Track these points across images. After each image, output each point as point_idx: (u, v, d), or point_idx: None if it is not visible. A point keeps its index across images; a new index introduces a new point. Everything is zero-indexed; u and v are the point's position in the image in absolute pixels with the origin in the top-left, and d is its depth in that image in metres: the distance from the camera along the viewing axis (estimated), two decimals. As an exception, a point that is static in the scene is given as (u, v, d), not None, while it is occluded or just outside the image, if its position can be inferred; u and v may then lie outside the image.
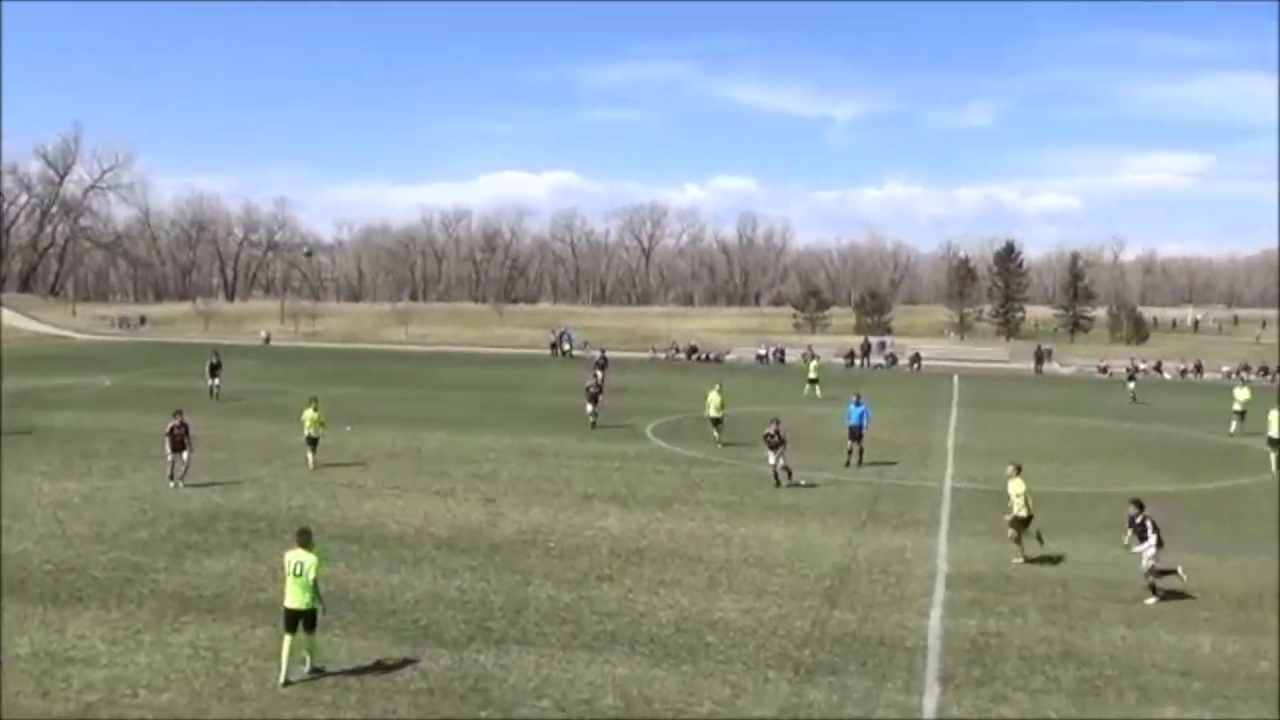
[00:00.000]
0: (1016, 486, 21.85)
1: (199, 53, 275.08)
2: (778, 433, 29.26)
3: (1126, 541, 20.13)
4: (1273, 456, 34.51)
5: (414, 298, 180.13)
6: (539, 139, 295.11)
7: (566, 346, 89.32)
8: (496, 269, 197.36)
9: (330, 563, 15.98)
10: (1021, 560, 21.57)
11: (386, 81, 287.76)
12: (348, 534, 22.81)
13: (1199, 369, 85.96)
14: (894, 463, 33.79)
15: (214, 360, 49.35)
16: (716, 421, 37.31)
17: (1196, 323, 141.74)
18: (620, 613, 17.87)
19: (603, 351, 66.99)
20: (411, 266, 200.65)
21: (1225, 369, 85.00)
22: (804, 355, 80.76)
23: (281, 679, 14.27)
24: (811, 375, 56.94)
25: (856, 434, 33.20)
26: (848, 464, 32.62)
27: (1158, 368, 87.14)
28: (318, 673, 14.60)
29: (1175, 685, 15.28)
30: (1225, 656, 16.54)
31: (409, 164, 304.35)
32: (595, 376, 46.21)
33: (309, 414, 30.88)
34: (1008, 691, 14.81)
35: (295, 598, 14.58)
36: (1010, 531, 21.94)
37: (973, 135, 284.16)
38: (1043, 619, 18.11)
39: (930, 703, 14.36)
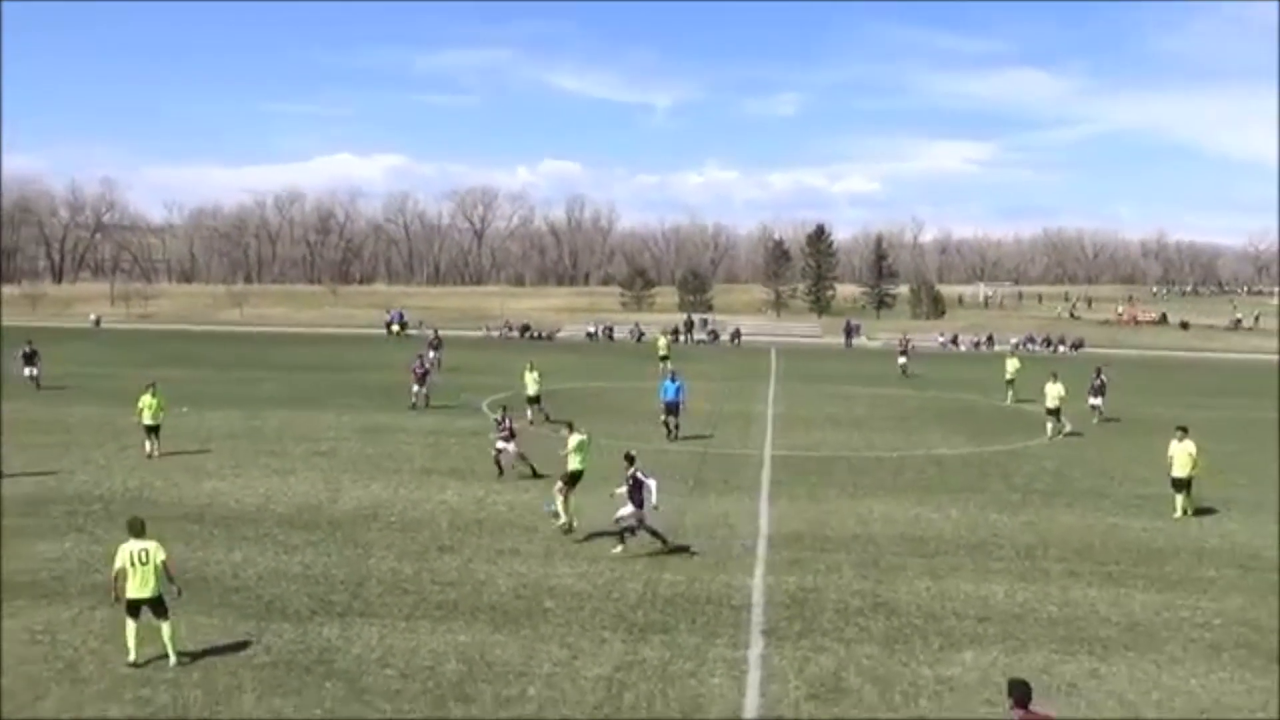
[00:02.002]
0: (572, 442, 21.77)
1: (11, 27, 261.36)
2: (508, 426, 27.07)
3: (614, 494, 20.10)
4: (1049, 425, 35.93)
5: (248, 280, 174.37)
6: (370, 121, 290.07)
7: (397, 328, 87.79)
8: (331, 250, 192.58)
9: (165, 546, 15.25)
10: (565, 525, 20.93)
11: (212, 64, 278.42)
12: (187, 514, 22.00)
13: (990, 341, 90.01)
14: (710, 435, 34.28)
15: (28, 349, 43.80)
16: (534, 400, 36.79)
17: (987, 299, 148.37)
18: (461, 582, 17.76)
19: (436, 331, 65.91)
20: (245, 248, 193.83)
21: (1013, 340, 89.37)
22: (632, 332, 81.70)
23: (132, 658, 13.64)
24: (662, 352, 55.87)
25: (673, 409, 33.15)
26: (669, 438, 32.65)
27: (954, 340, 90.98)
28: (185, 659, 13.91)
29: (973, 630, 16.04)
30: (1017, 602, 17.44)
31: (238, 146, 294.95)
32: (420, 357, 43.43)
33: (147, 399, 28.56)
34: (825, 642, 15.30)
35: (142, 587, 13.76)
36: (559, 485, 21.54)
37: (781, 123, 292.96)
38: (855, 574, 18.74)
39: (755, 655, 14.73)
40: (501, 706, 12.89)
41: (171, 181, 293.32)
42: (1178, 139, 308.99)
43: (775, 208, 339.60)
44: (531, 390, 36.83)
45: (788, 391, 48.94)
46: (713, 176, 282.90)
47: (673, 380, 33.91)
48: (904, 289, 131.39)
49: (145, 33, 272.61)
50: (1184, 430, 24.16)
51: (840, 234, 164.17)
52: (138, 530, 14.12)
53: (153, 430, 28.54)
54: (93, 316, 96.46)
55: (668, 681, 13.77)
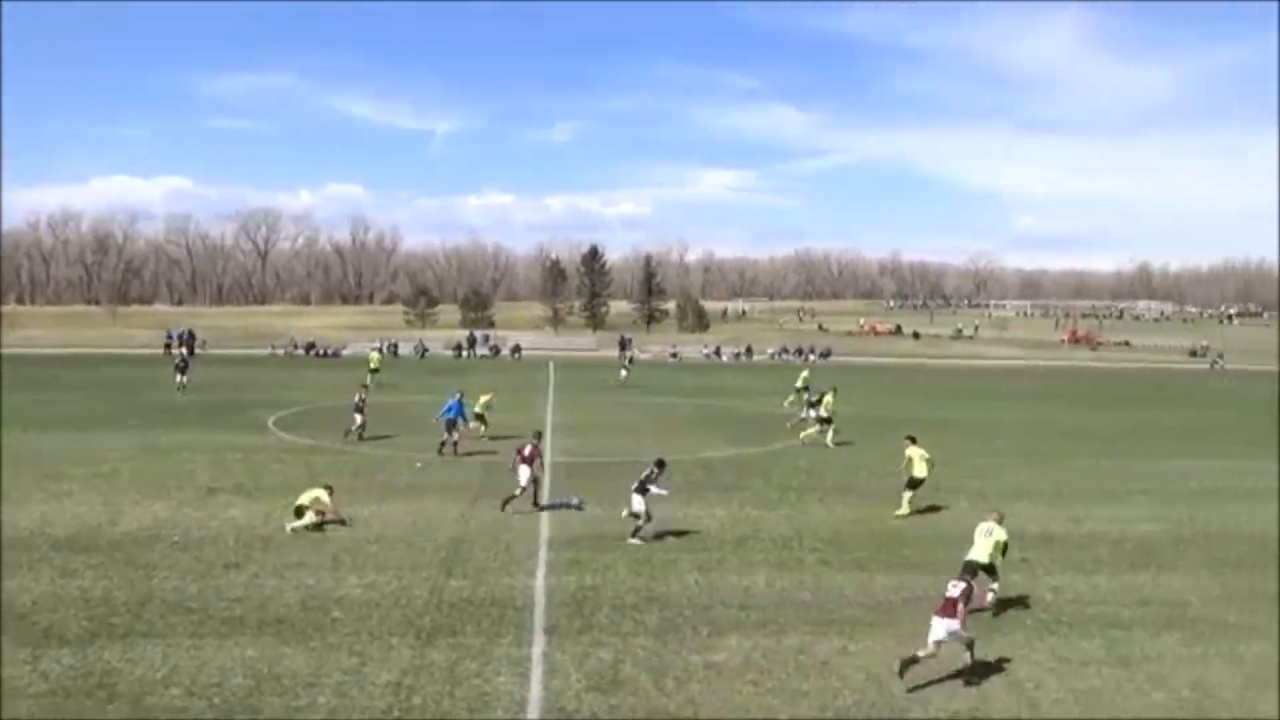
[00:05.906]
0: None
1: None
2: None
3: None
4: (829, 433, 35.62)
5: (20, 301, 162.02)
6: (151, 145, 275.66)
7: (176, 347, 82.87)
8: (109, 271, 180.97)
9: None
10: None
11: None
12: (-46, 542, 20.19)
13: (749, 352, 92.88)
14: (494, 446, 33.94)
15: None
16: (480, 416, 34.76)
17: (743, 312, 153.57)
18: (247, 597, 16.97)
19: (185, 344, 60.49)
20: (17, 269, 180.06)
21: (770, 351, 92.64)
22: (416, 348, 79.95)
23: None
24: (373, 366, 54.51)
25: (453, 426, 31.68)
26: (440, 453, 31.07)
27: (717, 352, 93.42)
28: None
29: (737, 618, 16.47)
30: (776, 590, 18.03)
31: (9, 169, 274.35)
32: (360, 391, 36.04)
33: None
34: (603, 637, 15.40)
35: None
36: None
37: (557, 150, 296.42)
38: (630, 572, 18.94)
39: (537, 652, 14.69)
40: (291, 717, 12.38)
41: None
42: (911, 170, 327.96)
43: (552, 229, 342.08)
44: (478, 408, 34.73)
45: (566, 401, 49.09)
46: (491, 200, 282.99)
47: (459, 400, 32.17)
48: (671, 305, 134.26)
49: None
50: (912, 439, 25.18)
51: (613, 254, 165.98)
52: None
53: None
54: None
55: (455, 682, 13.55)
